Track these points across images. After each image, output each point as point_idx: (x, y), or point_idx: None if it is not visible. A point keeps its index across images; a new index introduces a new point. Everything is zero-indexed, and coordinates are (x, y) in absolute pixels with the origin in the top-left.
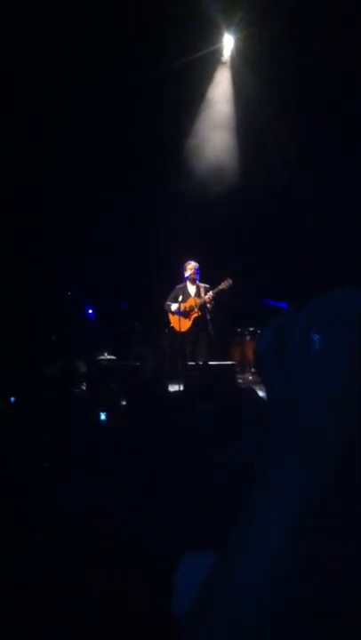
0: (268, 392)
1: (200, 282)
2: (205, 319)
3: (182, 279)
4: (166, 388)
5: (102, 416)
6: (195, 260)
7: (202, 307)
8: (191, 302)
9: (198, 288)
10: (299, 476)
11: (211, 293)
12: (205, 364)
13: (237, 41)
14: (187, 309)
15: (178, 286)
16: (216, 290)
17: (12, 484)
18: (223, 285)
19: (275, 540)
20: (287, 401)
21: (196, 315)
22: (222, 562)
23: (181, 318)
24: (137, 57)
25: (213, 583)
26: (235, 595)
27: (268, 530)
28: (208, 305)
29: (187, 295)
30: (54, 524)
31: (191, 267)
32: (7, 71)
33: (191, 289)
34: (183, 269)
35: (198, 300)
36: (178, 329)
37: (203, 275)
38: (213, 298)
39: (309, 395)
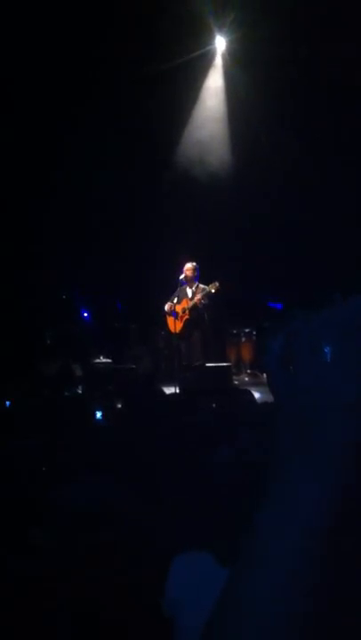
0: (277, 401)
1: (200, 282)
2: (197, 321)
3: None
4: (162, 389)
5: (98, 414)
6: (194, 261)
7: (193, 309)
8: (183, 304)
9: (195, 289)
10: (314, 478)
11: (199, 296)
12: (201, 365)
13: (229, 43)
14: (178, 312)
15: (180, 287)
16: (203, 293)
17: (11, 482)
18: (210, 288)
19: (290, 540)
20: (298, 409)
21: (186, 317)
22: (240, 563)
23: (175, 320)
24: (129, 57)
25: (233, 585)
26: (254, 594)
27: (283, 532)
28: (199, 305)
29: (182, 296)
30: (54, 523)
31: (187, 268)
32: (5, 69)
33: (188, 290)
34: (182, 271)
35: (189, 303)
36: (172, 330)
37: (200, 275)
38: (202, 300)
39: (323, 402)
